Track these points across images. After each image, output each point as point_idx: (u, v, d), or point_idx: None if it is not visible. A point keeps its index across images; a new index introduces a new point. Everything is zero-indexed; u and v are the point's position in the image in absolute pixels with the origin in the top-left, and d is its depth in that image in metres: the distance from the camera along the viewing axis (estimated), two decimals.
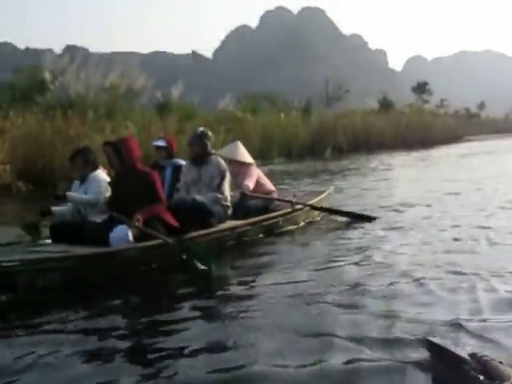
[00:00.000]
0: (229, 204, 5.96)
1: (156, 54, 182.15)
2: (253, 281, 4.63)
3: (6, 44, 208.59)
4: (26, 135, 12.90)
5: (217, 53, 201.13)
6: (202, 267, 4.72)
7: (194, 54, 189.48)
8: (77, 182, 5.63)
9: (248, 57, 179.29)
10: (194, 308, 3.97)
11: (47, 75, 18.83)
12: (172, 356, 3.09)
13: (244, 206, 6.44)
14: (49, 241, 5.26)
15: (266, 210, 6.60)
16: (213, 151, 6.06)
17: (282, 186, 10.48)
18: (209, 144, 5.97)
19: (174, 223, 5.19)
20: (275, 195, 7.01)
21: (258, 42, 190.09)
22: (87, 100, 17.57)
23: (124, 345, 3.35)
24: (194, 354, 3.10)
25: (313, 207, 7.01)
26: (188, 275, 4.85)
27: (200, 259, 4.77)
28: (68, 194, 5.45)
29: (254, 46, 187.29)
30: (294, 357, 2.96)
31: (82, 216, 5.41)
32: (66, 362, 3.04)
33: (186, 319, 3.71)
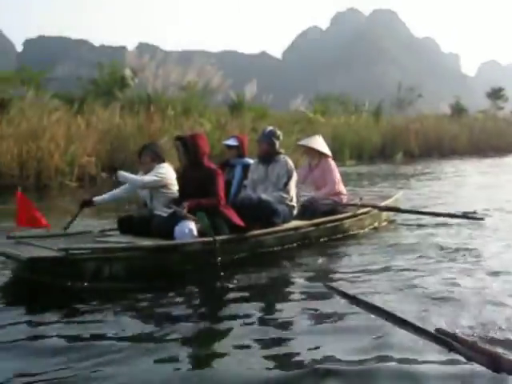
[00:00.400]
0: (294, 204, 5.95)
1: (226, 53, 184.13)
2: (312, 283, 4.62)
3: (82, 41, 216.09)
4: (109, 129, 13.48)
5: (286, 53, 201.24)
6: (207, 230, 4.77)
7: (264, 54, 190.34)
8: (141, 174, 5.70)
9: (317, 58, 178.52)
10: (251, 305, 4.00)
11: (127, 72, 19.54)
12: (224, 350, 3.18)
13: (312, 207, 6.42)
14: (117, 232, 5.42)
15: (334, 211, 6.53)
16: (281, 150, 6.06)
17: (352, 188, 10.45)
18: (277, 143, 5.98)
19: (238, 221, 5.23)
20: (345, 197, 6.92)
21: (328, 44, 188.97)
22: (165, 97, 18.11)
23: (179, 335, 3.42)
24: (251, 350, 3.17)
25: (379, 208, 6.84)
26: (248, 271, 4.87)
27: (205, 225, 4.81)
28: (119, 172, 5.39)
29: (323, 48, 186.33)
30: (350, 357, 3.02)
31: (148, 210, 5.49)
32: (125, 352, 3.14)
33: (242, 315, 3.75)
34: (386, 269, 4.98)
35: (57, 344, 3.30)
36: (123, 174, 5.34)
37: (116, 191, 5.60)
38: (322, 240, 6.09)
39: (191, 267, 4.77)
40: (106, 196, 5.61)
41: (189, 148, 5.24)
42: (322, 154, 6.75)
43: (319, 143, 6.81)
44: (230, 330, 3.54)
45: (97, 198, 5.55)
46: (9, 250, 4.48)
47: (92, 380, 2.83)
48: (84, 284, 4.36)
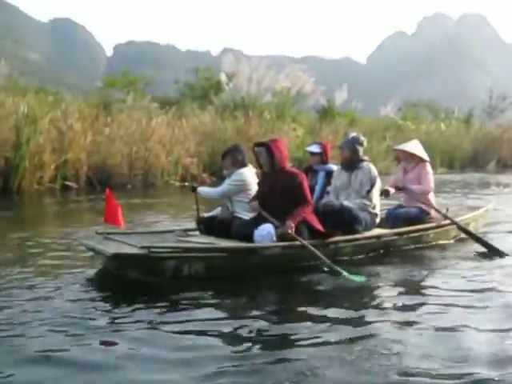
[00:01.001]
0: (377, 212, 5.84)
1: (308, 58, 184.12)
2: (394, 293, 4.52)
3: (169, 46, 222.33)
4: (211, 132, 14.13)
5: (370, 59, 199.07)
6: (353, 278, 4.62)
7: (347, 60, 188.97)
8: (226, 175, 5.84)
9: (402, 64, 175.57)
10: (328, 311, 3.94)
11: (223, 77, 20.22)
12: (292, 354, 3.15)
13: (395, 214, 6.30)
14: (198, 233, 5.57)
15: (418, 219, 6.27)
16: (365, 157, 5.95)
17: (441, 196, 10.09)
18: (360, 149, 5.87)
19: (320, 227, 5.20)
20: (434, 205, 6.52)
21: (414, 49, 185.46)
22: (259, 102, 18.62)
23: (255, 335, 3.49)
24: (323, 355, 3.13)
25: (459, 227, 6.32)
26: (327, 278, 4.79)
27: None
28: (199, 188, 5.78)
29: (408, 53, 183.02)
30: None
31: (230, 212, 5.56)
32: (199, 351, 3.20)
33: (316, 320, 3.74)
34: (471, 281, 4.77)
35: (133, 334, 3.46)
36: (202, 189, 5.77)
37: (212, 190, 5.82)
38: (404, 249, 5.91)
39: (269, 270, 4.77)
40: (206, 189, 5.90)
41: (272, 153, 5.24)
42: (419, 159, 6.56)
43: (417, 148, 6.63)
44: (304, 333, 3.53)
45: (200, 188, 5.83)
46: (96, 245, 4.79)
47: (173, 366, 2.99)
48: (164, 280, 4.51)
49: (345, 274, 4.65)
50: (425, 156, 6.62)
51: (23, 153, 11.01)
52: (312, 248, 4.89)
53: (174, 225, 6.40)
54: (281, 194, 5.15)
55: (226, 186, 5.52)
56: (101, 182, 12.07)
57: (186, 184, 5.84)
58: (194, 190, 5.76)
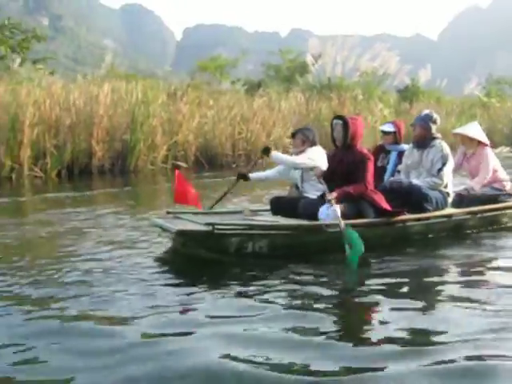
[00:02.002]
0: (449, 191, 5.59)
1: (378, 36, 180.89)
2: (461, 275, 4.41)
3: (237, 28, 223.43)
4: (307, 114, 14.68)
5: (442, 35, 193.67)
6: (349, 252, 4.47)
7: (418, 36, 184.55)
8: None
9: (476, 39, 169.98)
10: (390, 291, 3.86)
11: (309, 58, 20.58)
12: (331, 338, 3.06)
13: (470, 197, 5.98)
14: (267, 213, 5.50)
15: (495, 200, 6.03)
16: (438, 135, 5.74)
17: None
18: (433, 127, 5.67)
19: (385, 205, 5.10)
20: (509, 184, 6.31)
21: (488, 23, 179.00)
22: (345, 82, 18.91)
23: (317, 312, 3.44)
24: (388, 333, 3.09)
25: None
26: (393, 257, 4.71)
27: (352, 245, 4.52)
28: (273, 152, 5.44)
29: (482, 28, 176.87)
30: None
31: (299, 192, 5.53)
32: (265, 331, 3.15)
33: (376, 301, 3.65)
34: None
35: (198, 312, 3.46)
36: (276, 154, 5.47)
37: (270, 171, 5.79)
38: (477, 231, 5.65)
39: (332, 249, 4.63)
40: (260, 174, 5.86)
41: (348, 129, 5.19)
42: (479, 143, 6.29)
43: (476, 131, 6.36)
44: (365, 313, 3.55)
45: (252, 174, 5.75)
46: (164, 222, 4.88)
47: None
48: (228, 257, 4.57)
49: (348, 251, 4.47)
50: (485, 139, 6.37)
51: (138, 135, 11.86)
52: (343, 225, 4.65)
53: (257, 204, 6.55)
54: (345, 170, 5.16)
55: (303, 158, 5.32)
56: (208, 162, 12.84)
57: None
58: (268, 151, 5.42)
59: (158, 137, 12.19)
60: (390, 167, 6.11)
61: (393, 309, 3.51)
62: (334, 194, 4.92)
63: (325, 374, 2.59)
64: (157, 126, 12.19)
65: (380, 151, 6.28)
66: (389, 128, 6.22)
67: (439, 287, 4.05)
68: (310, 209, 5.05)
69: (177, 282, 4.20)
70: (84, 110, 11.52)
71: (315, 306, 3.56)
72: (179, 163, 12.27)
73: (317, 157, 5.33)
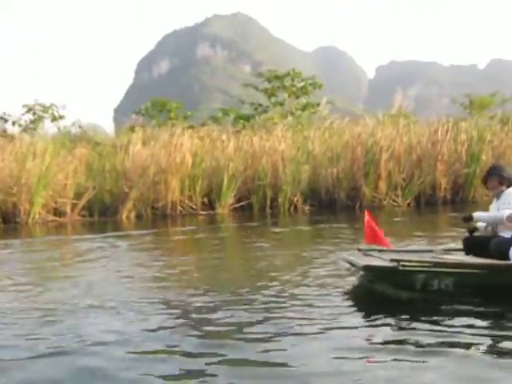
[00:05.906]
0: None
1: None
2: None
3: (431, 63, 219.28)
4: None
5: None
6: None
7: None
8: (494, 200, 5.55)
9: None
10: None
11: None
12: None
13: None
14: (459, 252, 5.46)
15: None
16: None
17: None
18: None
19: None
20: None
21: None
22: None
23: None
24: None
25: None
26: None
27: None
28: (474, 214, 5.44)
29: None
30: None
31: (493, 231, 5.38)
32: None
33: None
34: None
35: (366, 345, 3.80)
36: (478, 214, 5.43)
37: (486, 214, 5.52)
38: None
39: None
40: (480, 214, 5.55)
41: None
42: None
43: None
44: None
45: (475, 213, 5.48)
46: (353, 258, 5.17)
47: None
48: (413, 294, 4.64)
49: None
50: None
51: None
52: None
53: (452, 244, 6.75)
54: None
55: (503, 209, 5.19)
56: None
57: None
58: (466, 220, 5.49)
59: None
60: None
61: None
62: None
63: None
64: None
65: None
66: None
67: None
68: (501, 248, 4.95)
69: (355, 314, 4.52)
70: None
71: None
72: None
73: None
